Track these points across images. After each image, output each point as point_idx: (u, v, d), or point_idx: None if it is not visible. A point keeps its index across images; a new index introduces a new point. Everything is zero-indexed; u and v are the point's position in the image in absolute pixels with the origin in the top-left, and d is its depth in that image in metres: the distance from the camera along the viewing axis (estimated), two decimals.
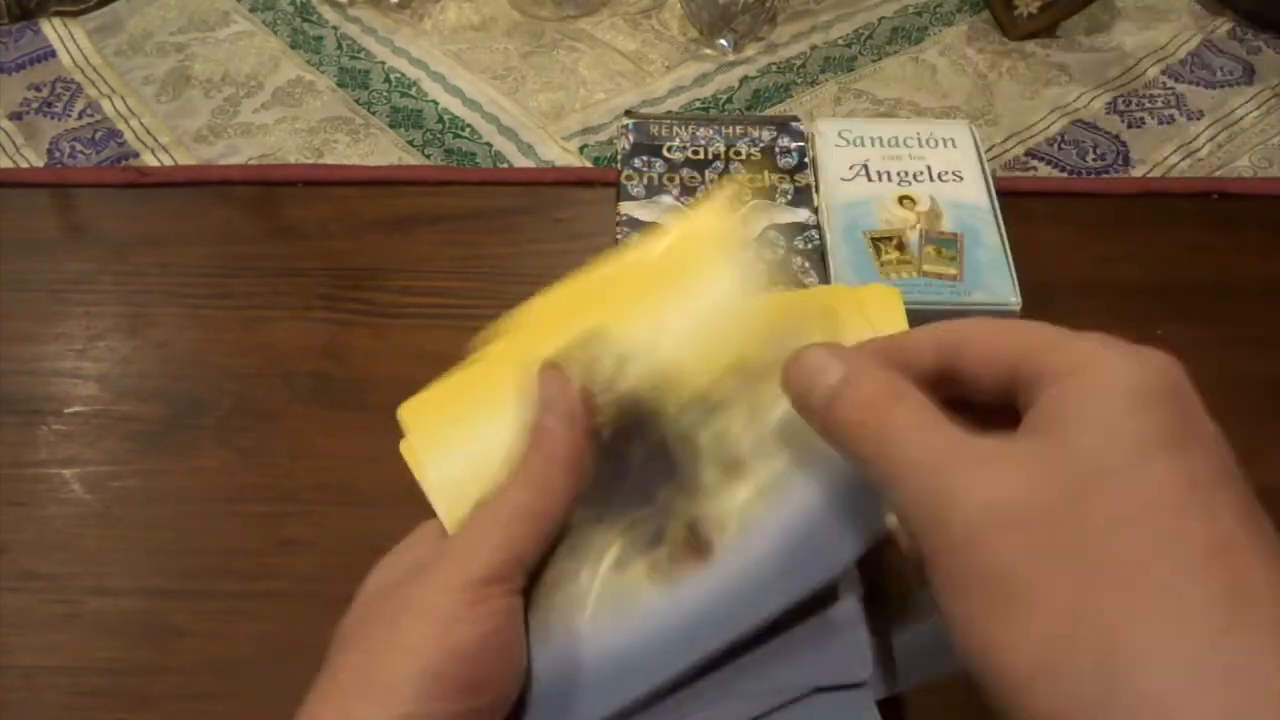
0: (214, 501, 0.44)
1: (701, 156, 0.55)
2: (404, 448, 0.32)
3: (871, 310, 0.33)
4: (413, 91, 0.64)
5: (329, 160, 0.59)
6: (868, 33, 0.68)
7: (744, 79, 0.65)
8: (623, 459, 0.31)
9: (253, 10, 0.69)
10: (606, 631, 0.29)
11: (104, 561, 0.43)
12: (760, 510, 0.29)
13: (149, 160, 0.59)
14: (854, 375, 0.26)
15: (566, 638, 0.29)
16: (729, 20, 0.65)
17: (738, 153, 0.55)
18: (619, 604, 0.29)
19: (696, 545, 0.29)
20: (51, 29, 0.68)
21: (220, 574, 0.42)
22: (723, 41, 0.66)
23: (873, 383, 0.26)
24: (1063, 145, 0.60)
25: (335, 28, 0.68)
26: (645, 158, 0.55)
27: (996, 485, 0.22)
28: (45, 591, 0.42)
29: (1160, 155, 0.60)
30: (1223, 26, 0.68)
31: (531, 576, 0.29)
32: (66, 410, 0.48)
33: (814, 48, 0.67)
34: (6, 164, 0.59)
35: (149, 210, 0.56)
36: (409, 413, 0.33)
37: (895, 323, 0.32)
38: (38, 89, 0.64)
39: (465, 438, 0.32)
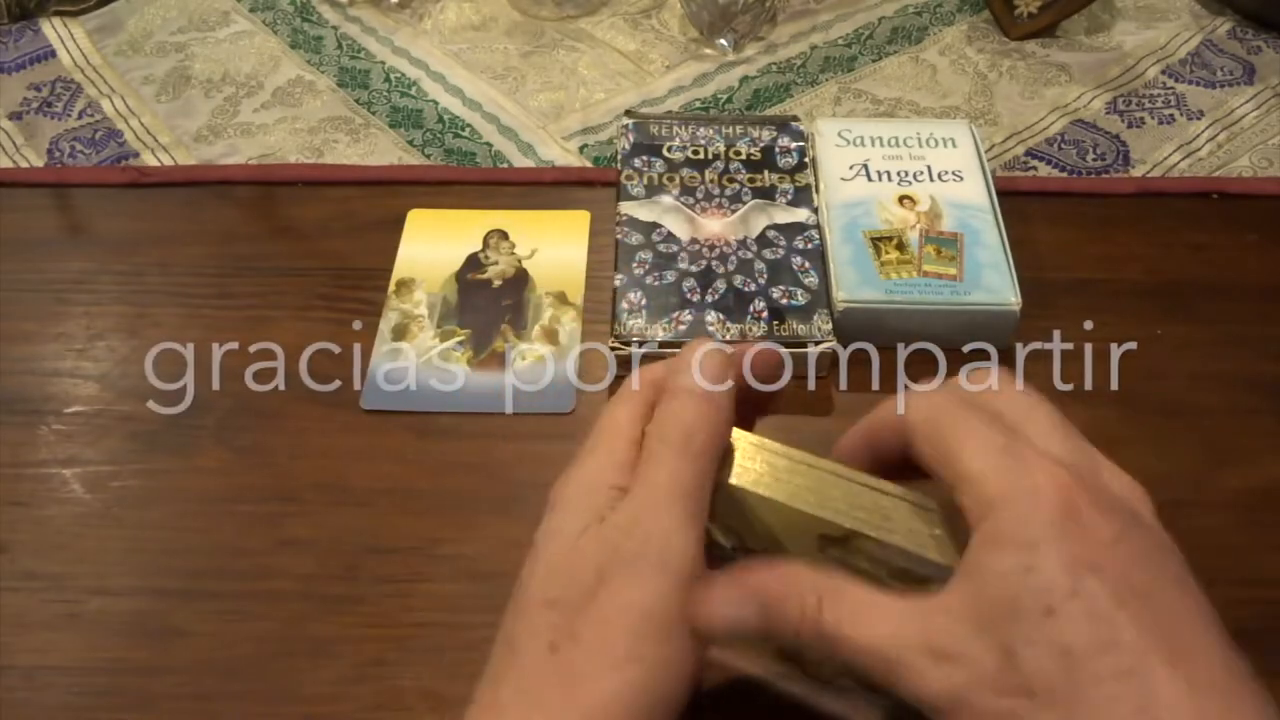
0: (214, 501, 0.44)
1: (701, 156, 0.55)
2: None
3: None
4: (413, 91, 0.64)
5: (329, 160, 0.59)
6: (868, 33, 0.68)
7: (744, 79, 0.65)
8: None
9: (253, 10, 0.69)
10: None
11: (104, 561, 0.43)
12: None
13: (149, 160, 0.59)
14: (773, 605, 0.30)
15: None
16: (729, 20, 0.65)
17: (738, 153, 0.55)
18: None
19: None
20: (51, 29, 0.68)
21: (220, 574, 0.42)
22: (723, 41, 0.66)
23: (794, 603, 0.29)
24: (1063, 145, 0.60)
25: (335, 28, 0.68)
26: (645, 158, 0.55)
27: (949, 668, 0.26)
28: (45, 591, 0.42)
29: (1160, 155, 0.60)
30: (1223, 26, 0.68)
31: None
32: (66, 410, 0.48)
33: (814, 48, 0.67)
34: (6, 164, 0.59)
35: (149, 210, 0.56)
36: None
37: None
38: (38, 89, 0.64)
39: None
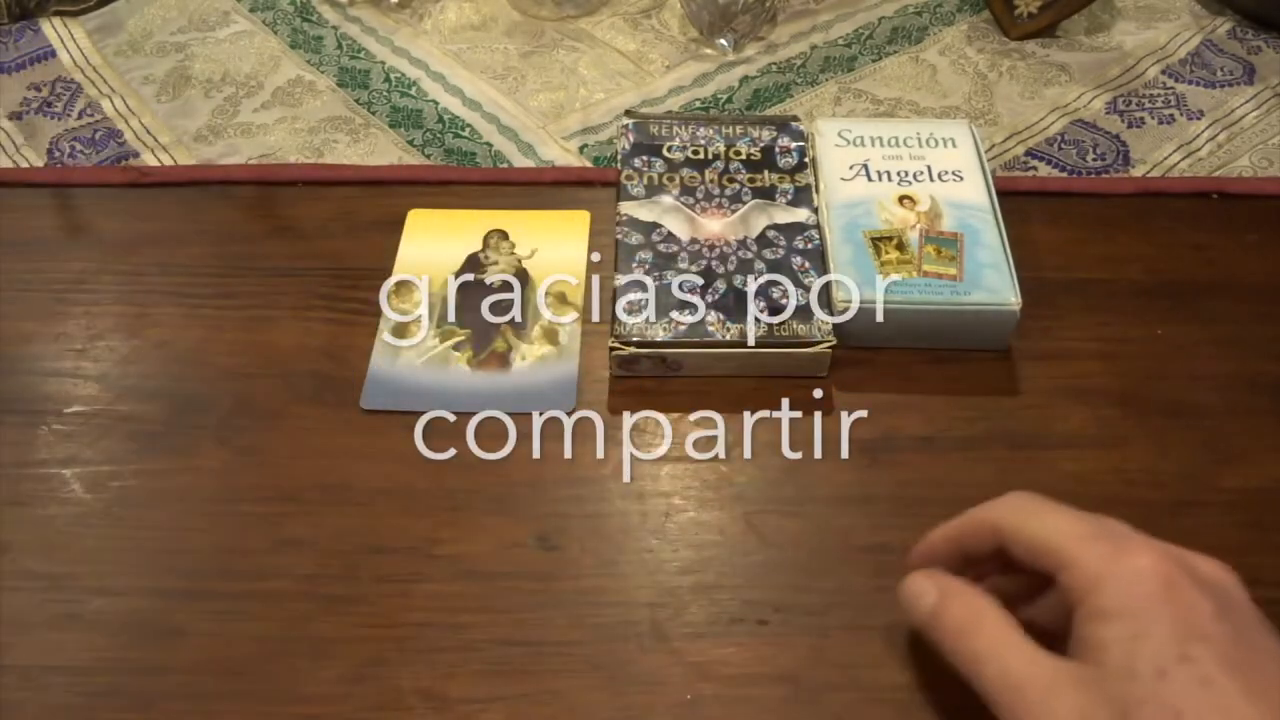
0: (214, 501, 0.44)
1: (701, 156, 0.55)
2: None
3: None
4: (413, 91, 0.64)
5: (329, 160, 0.59)
6: (868, 33, 0.68)
7: (744, 79, 0.65)
8: None
9: (253, 10, 0.69)
10: None
11: (104, 561, 0.43)
12: None
13: (149, 160, 0.59)
14: (943, 602, 0.33)
15: None
16: (729, 20, 0.65)
17: (738, 153, 0.55)
18: None
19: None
20: (51, 29, 0.68)
21: (220, 574, 0.42)
22: (723, 41, 0.66)
23: (960, 608, 0.33)
24: (1063, 145, 0.60)
25: (335, 28, 0.68)
26: (645, 157, 0.55)
27: (1063, 711, 0.29)
28: (45, 591, 0.42)
29: (1160, 155, 0.60)
30: (1223, 26, 0.68)
31: None
32: (66, 410, 0.48)
33: (814, 48, 0.67)
34: (6, 164, 0.59)
35: (149, 210, 0.56)
36: None
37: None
38: (38, 89, 0.64)
39: None
